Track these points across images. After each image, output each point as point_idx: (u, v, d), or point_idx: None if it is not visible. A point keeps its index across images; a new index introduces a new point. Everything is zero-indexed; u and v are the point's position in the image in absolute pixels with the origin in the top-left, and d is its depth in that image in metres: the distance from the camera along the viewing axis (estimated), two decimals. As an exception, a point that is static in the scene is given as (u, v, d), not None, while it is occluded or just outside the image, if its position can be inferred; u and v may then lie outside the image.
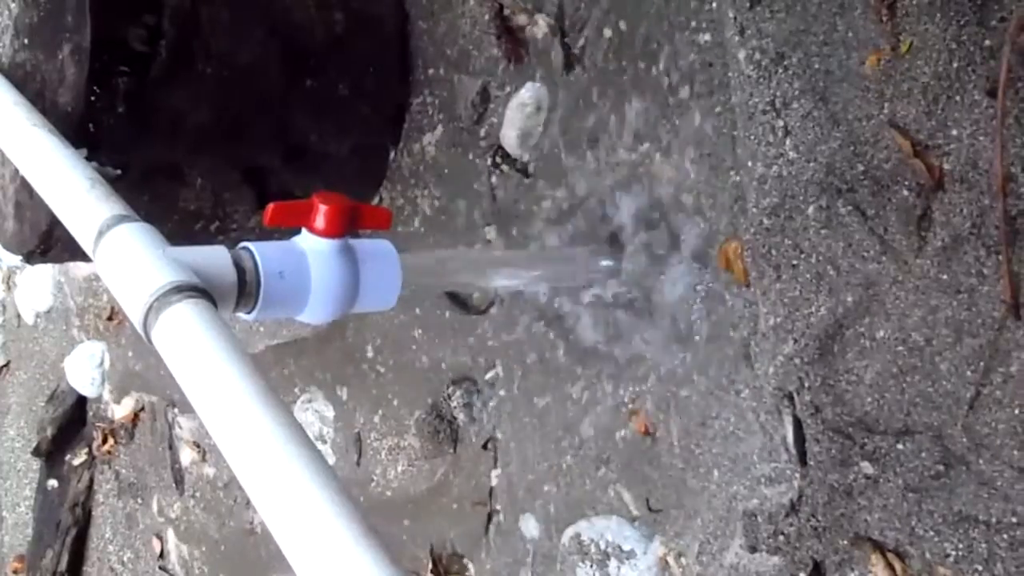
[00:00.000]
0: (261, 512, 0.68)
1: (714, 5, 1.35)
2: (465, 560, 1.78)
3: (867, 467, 1.23)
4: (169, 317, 0.83)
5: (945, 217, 1.15)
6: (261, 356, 2.17)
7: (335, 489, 0.66)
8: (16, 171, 1.38)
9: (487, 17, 1.64)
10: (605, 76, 1.50)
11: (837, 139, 1.22)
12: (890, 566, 1.21)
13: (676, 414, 1.43)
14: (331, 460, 2.01)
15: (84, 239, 1.00)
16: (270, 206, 1.03)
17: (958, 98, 1.13)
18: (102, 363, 2.83)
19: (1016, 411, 1.11)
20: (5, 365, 3.34)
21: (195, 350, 0.79)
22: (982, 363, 1.13)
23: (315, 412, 2.07)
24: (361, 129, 1.77)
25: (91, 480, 2.94)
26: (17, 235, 1.54)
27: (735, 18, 1.31)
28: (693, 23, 1.38)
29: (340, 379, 2.02)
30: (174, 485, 2.57)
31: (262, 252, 1.01)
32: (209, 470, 2.46)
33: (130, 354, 2.72)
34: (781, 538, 1.30)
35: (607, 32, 1.49)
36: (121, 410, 2.76)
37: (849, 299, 1.23)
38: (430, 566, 1.82)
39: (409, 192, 1.82)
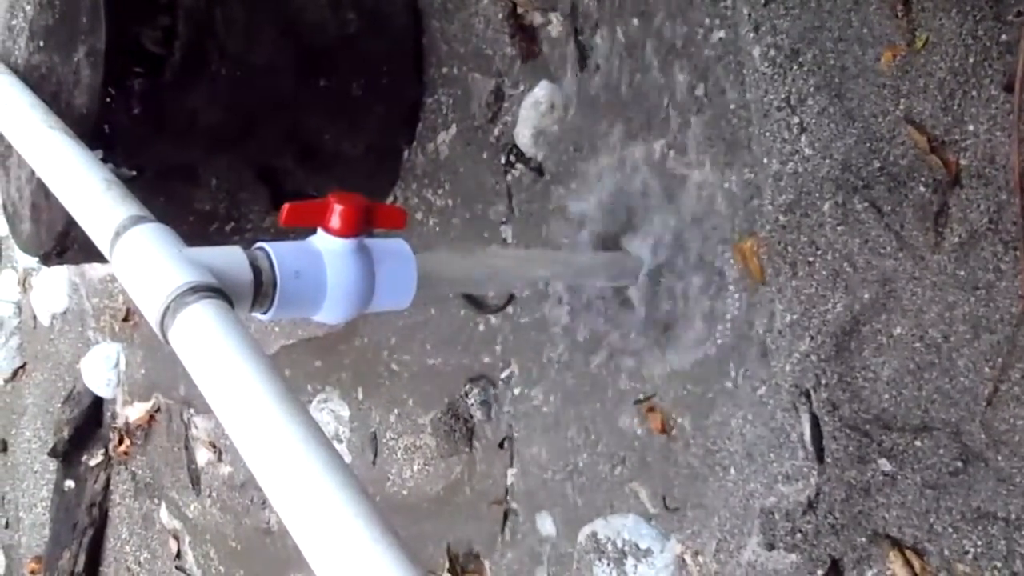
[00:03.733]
0: (279, 511, 0.68)
1: (729, 2, 1.35)
2: (482, 559, 1.78)
3: (885, 464, 1.23)
4: (186, 317, 0.84)
5: (962, 213, 1.14)
6: (277, 356, 2.17)
7: (353, 488, 0.66)
8: (32, 173, 1.38)
9: (501, 16, 1.64)
10: (619, 74, 1.49)
11: (853, 135, 1.22)
12: (908, 563, 1.21)
13: (692, 412, 1.42)
14: (347, 459, 2.01)
15: (100, 240, 1.00)
16: (285, 206, 1.03)
17: (974, 93, 1.13)
18: (118, 364, 2.84)
19: (1035, 407, 1.11)
20: (21, 367, 3.35)
21: (212, 350, 0.79)
22: (1000, 359, 1.13)
23: (331, 412, 2.07)
24: (375, 128, 1.77)
25: (107, 481, 2.95)
26: (33, 237, 1.54)
27: (750, 15, 1.30)
28: (707, 20, 1.38)
29: (356, 379, 2.03)
30: (190, 485, 2.57)
31: (278, 252, 1.01)
32: (225, 470, 2.47)
33: (146, 355, 2.73)
34: (799, 536, 1.30)
35: (621, 30, 1.48)
36: (137, 411, 2.77)
37: (866, 296, 1.22)
38: (447, 565, 1.82)
39: (423, 191, 1.82)
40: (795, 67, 1.27)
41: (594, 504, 1.56)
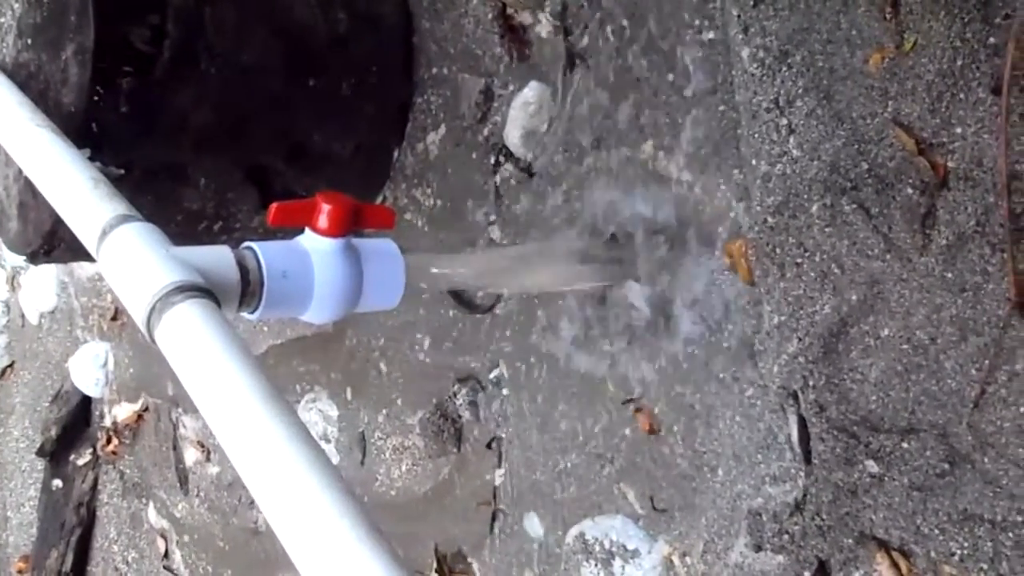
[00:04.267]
0: (265, 512, 0.68)
1: (718, 3, 1.35)
2: (470, 559, 1.78)
3: (872, 466, 1.23)
4: (173, 317, 0.83)
5: (950, 215, 1.15)
6: (265, 356, 2.17)
7: (339, 489, 0.66)
8: (20, 171, 1.38)
9: (490, 16, 1.64)
10: (608, 74, 1.49)
11: (841, 137, 1.22)
12: (895, 565, 1.21)
13: (680, 413, 1.43)
14: (335, 460, 2.01)
15: (87, 239, 1.00)
16: (273, 206, 1.03)
17: (962, 96, 1.13)
18: (106, 363, 2.83)
19: (1021, 409, 1.11)
20: (9, 365, 3.34)
21: (199, 350, 0.79)
22: (987, 361, 1.13)
23: (319, 412, 2.07)
24: (364, 128, 1.77)
25: (95, 480, 2.94)
26: (21, 235, 1.54)
27: (739, 16, 1.30)
28: (697, 21, 1.38)
29: (344, 379, 2.02)
30: (178, 485, 2.57)
31: (265, 252, 1.01)
32: (213, 470, 2.46)
33: (134, 354, 2.72)
34: (786, 537, 1.30)
35: (610, 30, 1.48)
36: (125, 410, 2.76)
37: (853, 297, 1.23)
38: (435, 565, 1.82)
39: (413, 191, 1.82)
40: (784, 69, 1.27)
41: (582, 505, 1.57)
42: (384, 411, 1.93)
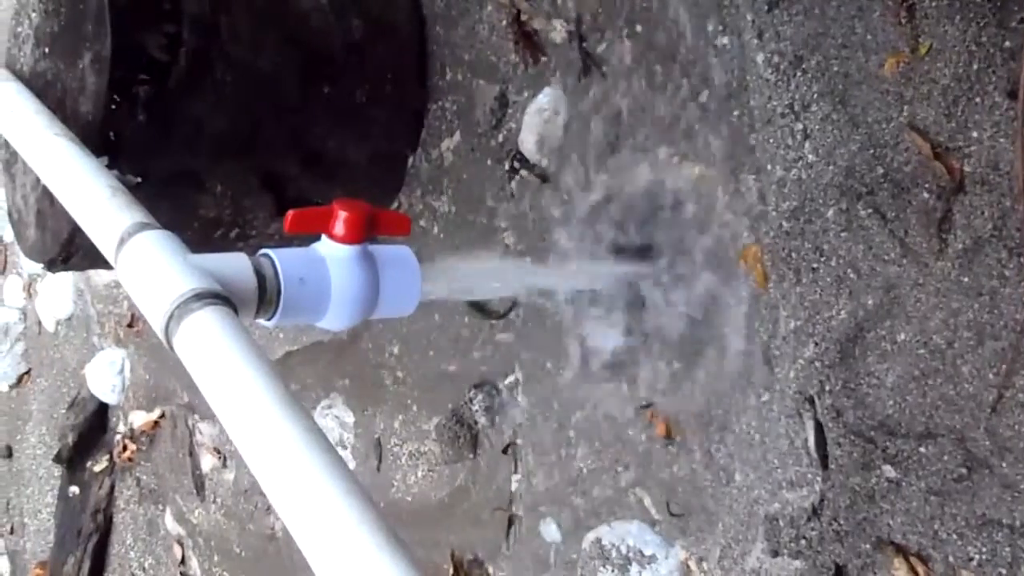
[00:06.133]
0: (283, 517, 0.68)
1: (733, 8, 1.35)
2: (486, 565, 1.78)
3: (889, 471, 1.22)
4: (191, 324, 0.84)
5: (966, 219, 1.14)
6: (281, 362, 2.17)
7: (357, 494, 0.66)
8: (37, 179, 1.39)
9: (505, 23, 1.64)
10: (623, 80, 1.49)
11: (856, 142, 1.22)
12: (913, 570, 1.21)
13: (696, 418, 1.42)
14: (351, 466, 2.01)
15: (105, 247, 1.00)
16: (290, 213, 1.03)
17: (978, 100, 1.13)
18: (122, 370, 2.84)
19: (1039, 414, 1.11)
20: (26, 372, 3.35)
21: (216, 356, 0.79)
22: (1004, 366, 1.13)
23: (335, 418, 2.07)
24: (379, 135, 1.77)
25: (112, 487, 2.95)
26: (39, 243, 1.54)
27: (754, 21, 1.30)
28: (711, 27, 1.38)
29: (360, 385, 2.03)
30: (195, 491, 2.57)
31: (282, 259, 1.01)
32: (230, 476, 2.47)
33: (151, 361, 2.73)
34: (803, 542, 1.30)
35: (625, 37, 1.48)
36: (142, 417, 2.77)
37: (870, 302, 1.22)
38: (451, 571, 1.82)
39: (428, 198, 1.82)
40: (799, 73, 1.27)
41: (598, 510, 1.56)
42: (400, 417, 1.93)
